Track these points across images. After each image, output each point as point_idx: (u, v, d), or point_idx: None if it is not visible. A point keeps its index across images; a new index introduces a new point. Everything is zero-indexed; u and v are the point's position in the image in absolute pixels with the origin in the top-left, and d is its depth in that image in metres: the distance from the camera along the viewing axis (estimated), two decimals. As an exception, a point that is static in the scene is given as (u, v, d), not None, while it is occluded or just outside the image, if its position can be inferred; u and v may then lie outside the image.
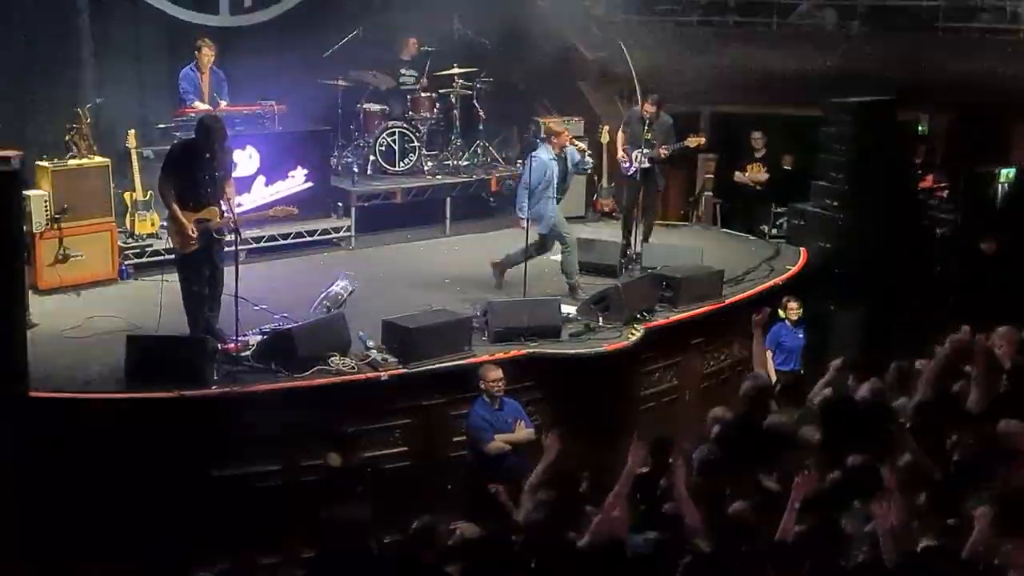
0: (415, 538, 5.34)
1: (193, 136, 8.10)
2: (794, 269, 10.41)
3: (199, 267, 7.94)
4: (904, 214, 11.17)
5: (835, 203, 10.74)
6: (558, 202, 9.55)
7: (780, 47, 12.82)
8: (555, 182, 9.39)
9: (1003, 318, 7.84)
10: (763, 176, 12.50)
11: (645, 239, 10.67)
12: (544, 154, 9.41)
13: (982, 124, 12.24)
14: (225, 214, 7.89)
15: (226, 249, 8.03)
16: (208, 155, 7.85)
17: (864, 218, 10.68)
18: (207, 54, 10.22)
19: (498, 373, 7.60)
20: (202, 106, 10.11)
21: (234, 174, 9.74)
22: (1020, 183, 11.08)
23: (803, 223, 11.14)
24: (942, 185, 11.83)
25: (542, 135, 10.14)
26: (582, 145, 9.91)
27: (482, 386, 7.58)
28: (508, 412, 7.64)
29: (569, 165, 9.60)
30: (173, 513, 7.02)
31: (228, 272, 8.08)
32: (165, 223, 8.59)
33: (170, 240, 8.04)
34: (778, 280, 10.10)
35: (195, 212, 7.82)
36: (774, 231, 12.05)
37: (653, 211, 10.91)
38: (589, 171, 10.66)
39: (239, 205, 8.32)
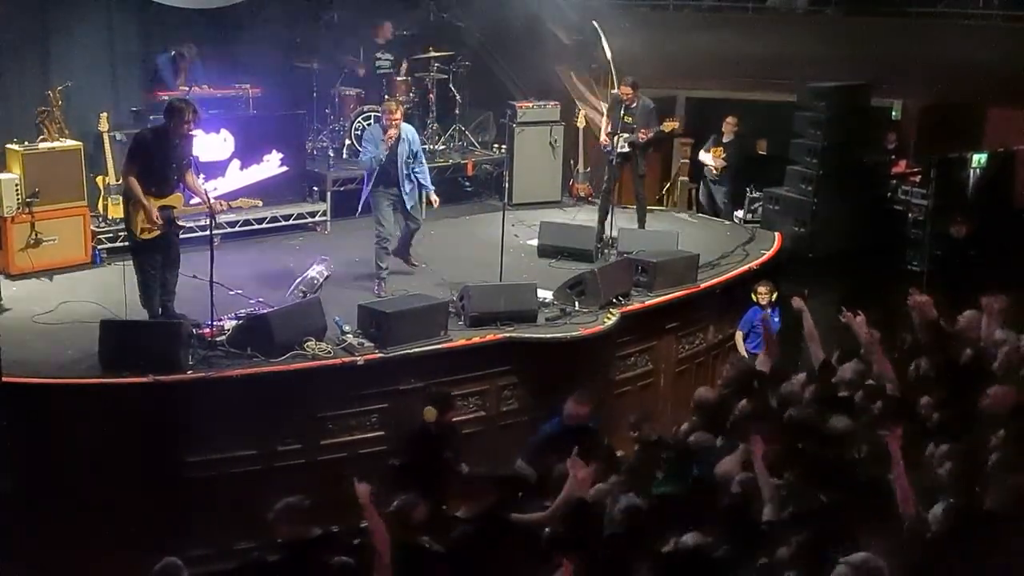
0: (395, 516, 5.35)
1: (162, 121, 7.96)
2: (769, 253, 10.46)
3: (153, 252, 7.85)
4: (877, 199, 11.27)
5: (809, 187, 10.81)
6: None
7: (755, 31, 12.86)
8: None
9: (973, 301, 7.94)
10: (719, 163, 12.01)
11: (640, 225, 10.70)
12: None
13: (954, 109, 12.32)
14: (190, 202, 7.80)
15: (200, 234, 7.96)
16: (176, 140, 7.79)
17: (837, 202, 10.76)
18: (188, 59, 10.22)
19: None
20: (176, 90, 10.05)
21: (208, 158, 9.78)
22: (992, 168, 11.16)
23: (777, 207, 11.20)
24: (915, 170, 11.89)
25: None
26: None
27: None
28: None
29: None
30: (147, 499, 7.01)
31: (194, 258, 8.04)
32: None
33: (132, 226, 7.80)
34: (753, 264, 10.14)
35: (159, 199, 7.73)
36: (749, 216, 12.07)
37: (643, 197, 10.88)
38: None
39: (215, 189, 8.25)
